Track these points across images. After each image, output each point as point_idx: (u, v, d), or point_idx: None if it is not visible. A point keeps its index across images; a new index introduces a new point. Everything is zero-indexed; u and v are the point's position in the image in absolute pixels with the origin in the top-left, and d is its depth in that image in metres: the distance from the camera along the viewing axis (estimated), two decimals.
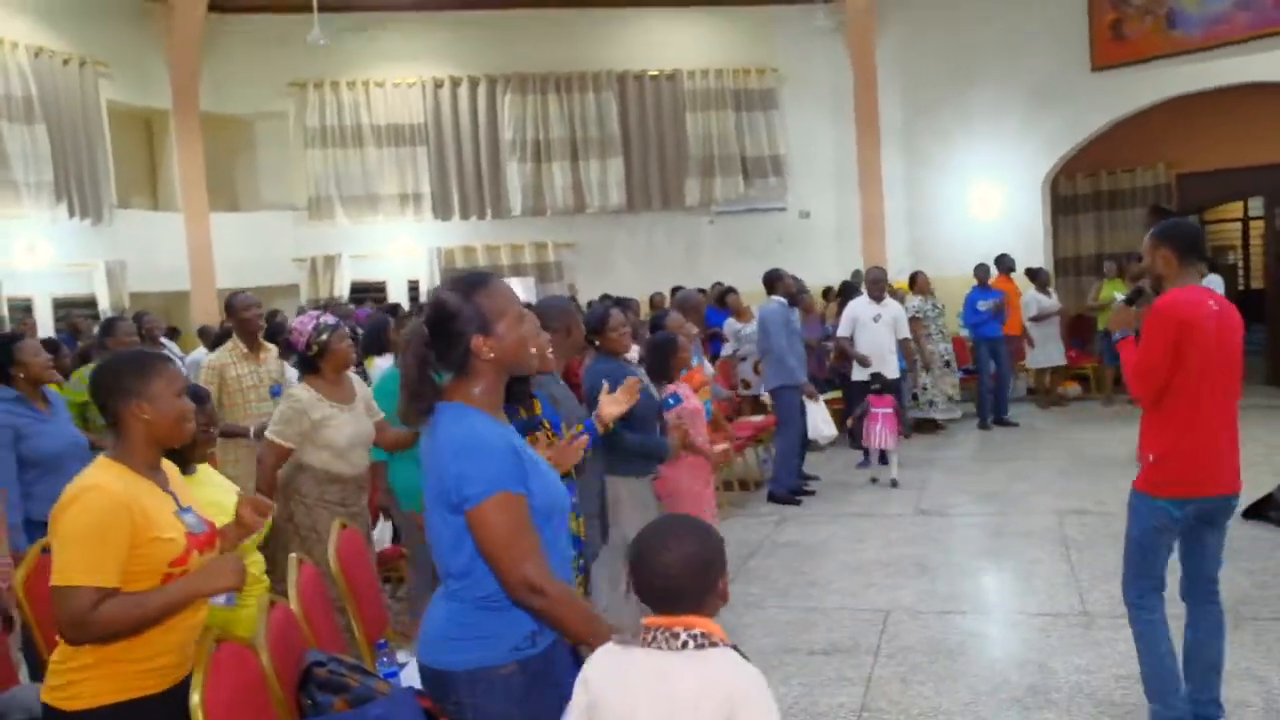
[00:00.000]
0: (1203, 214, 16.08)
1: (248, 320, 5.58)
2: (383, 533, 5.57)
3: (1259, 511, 6.45)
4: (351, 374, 4.48)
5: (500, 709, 2.19)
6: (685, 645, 1.86)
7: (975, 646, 4.91)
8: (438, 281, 13.59)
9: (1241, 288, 17.21)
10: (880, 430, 8.26)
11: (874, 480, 8.45)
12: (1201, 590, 3.70)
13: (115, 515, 2.34)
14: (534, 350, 2.33)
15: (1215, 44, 11.22)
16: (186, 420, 2.57)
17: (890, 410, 8.32)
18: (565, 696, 2.34)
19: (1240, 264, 18.31)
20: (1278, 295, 12.32)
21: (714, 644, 1.88)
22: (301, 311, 7.09)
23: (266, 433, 4.21)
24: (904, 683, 4.45)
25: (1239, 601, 5.09)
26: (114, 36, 12.00)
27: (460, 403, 2.25)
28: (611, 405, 3.50)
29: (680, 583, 1.90)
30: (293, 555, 3.47)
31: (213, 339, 8.49)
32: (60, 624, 2.31)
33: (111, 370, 2.54)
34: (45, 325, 10.80)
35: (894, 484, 8.27)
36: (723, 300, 10.82)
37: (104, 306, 11.25)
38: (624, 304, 9.93)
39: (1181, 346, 3.45)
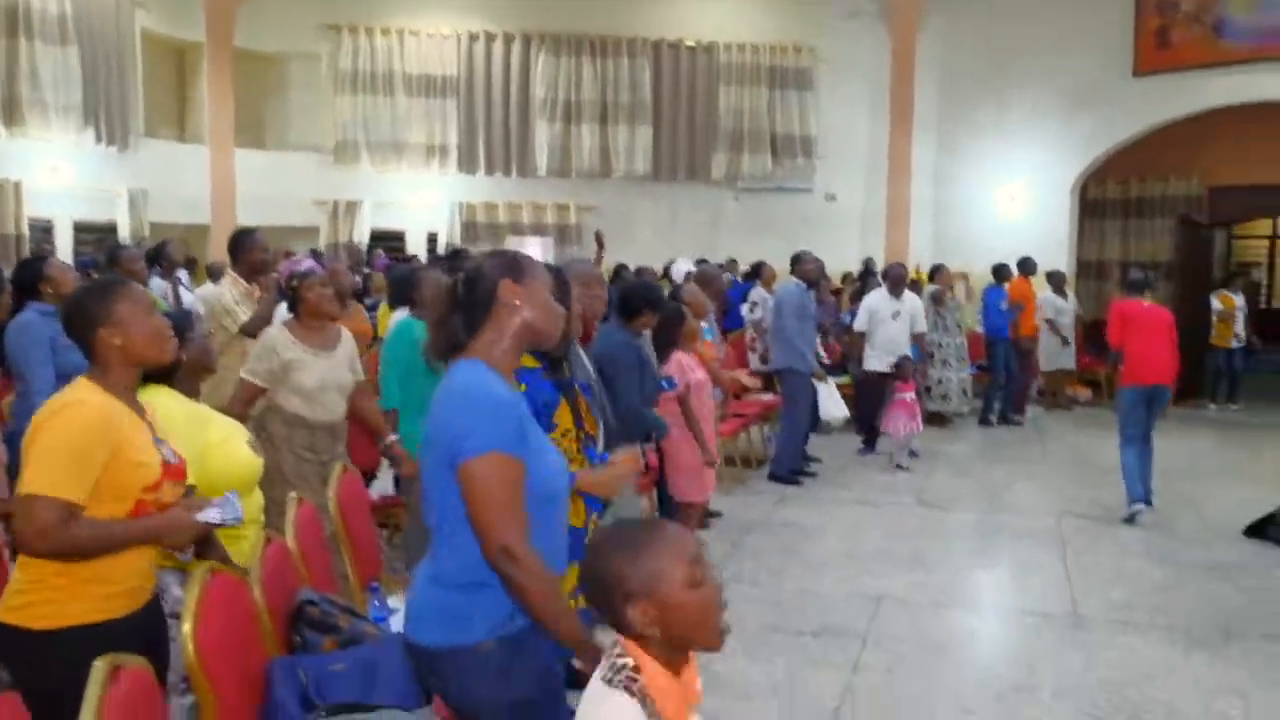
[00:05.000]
0: (1231, 228, 15.96)
1: (264, 262, 5.21)
2: (385, 481, 5.58)
3: (1260, 530, 6.42)
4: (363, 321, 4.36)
5: (481, 684, 2.19)
6: (609, 681, 1.68)
7: (963, 640, 4.93)
8: (458, 235, 13.59)
9: (1264, 306, 17.04)
10: (903, 417, 8.38)
11: (898, 466, 8.44)
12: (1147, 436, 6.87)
13: (98, 433, 2.33)
14: (556, 320, 2.34)
15: (1263, 57, 11.04)
16: (162, 337, 2.54)
17: (912, 396, 8.46)
18: (548, 666, 2.33)
19: (1265, 281, 18.16)
20: None
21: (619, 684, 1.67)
22: (316, 254, 6.95)
23: (241, 370, 4.17)
24: (889, 671, 4.45)
25: (1230, 618, 5.08)
26: None
27: (478, 359, 2.25)
28: (608, 484, 3.07)
29: (589, 594, 1.77)
30: (292, 494, 3.48)
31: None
32: (23, 534, 2.27)
33: (77, 303, 2.52)
34: (65, 247, 10.84)
35: (899, 467, 8.41)
36: (756, 272, 10.91)
37: (124, 234, 11.28)
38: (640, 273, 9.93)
39: (1126, 322, 6.82)
